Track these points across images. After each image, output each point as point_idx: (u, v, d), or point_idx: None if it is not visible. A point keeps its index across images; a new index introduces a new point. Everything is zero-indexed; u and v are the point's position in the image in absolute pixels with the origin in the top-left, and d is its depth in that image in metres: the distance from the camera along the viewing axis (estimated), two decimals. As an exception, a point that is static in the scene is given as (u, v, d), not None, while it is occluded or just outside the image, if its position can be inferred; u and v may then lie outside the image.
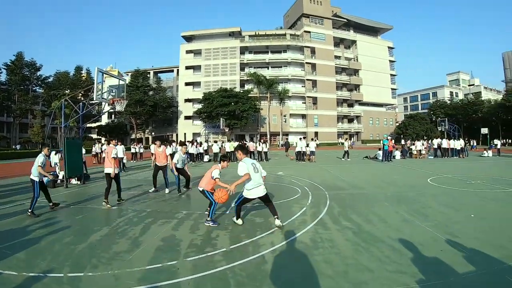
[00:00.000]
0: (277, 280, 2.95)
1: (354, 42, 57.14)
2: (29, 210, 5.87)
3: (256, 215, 5.51)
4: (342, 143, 48.13)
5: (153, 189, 8.17)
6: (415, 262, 3.20)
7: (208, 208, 5.02)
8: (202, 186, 5.08)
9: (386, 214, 5.28)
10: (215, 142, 20.79)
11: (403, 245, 3.72)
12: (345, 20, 56.32)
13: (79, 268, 3.40)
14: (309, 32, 50.87)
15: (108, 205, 6.44)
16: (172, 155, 8.53)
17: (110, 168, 6.67)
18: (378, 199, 6.63)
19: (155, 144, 9.20)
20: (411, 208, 5.63)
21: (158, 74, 52.29)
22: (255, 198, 4.66)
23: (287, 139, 41.81)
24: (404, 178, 9.96)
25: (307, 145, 17.62)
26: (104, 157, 14.46)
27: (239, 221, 4.89)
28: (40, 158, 6.11)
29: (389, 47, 61.93)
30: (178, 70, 49.44)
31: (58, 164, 11.59)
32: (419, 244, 3.71)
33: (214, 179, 4.92)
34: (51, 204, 6.48)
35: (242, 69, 47.18)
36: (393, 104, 62.40)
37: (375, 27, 61.20)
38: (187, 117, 46.47)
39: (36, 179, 6.04)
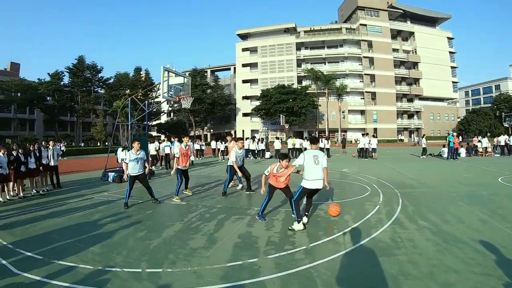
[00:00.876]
0: (366, 280, 2.83)
1: (411, 33, 53.34)
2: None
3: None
4: (401, 140, 44.59)
5: (240, 185, 7.85)
6: (499, 265, 3.02)
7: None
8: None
9: (462, 214, 5.02)
10: (277, 138, 19.46)
11: (485, 246, 3.53)
12: (401, 11, 52.74)
13: (156, 264, 3.28)
14: (365, 25, 48.21)
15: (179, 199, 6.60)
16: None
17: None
18: (452, 198, 6.32)
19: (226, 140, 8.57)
20: (486, 208, 5.33)
21: (215, 73, 52.46)
22: (314, 189, 4.49)
23: (344, 136, 39.56)
24: (474, 177, 9.52)
25: (369, 142, 16.71)
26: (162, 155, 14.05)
27: (300, 226, 4.32)
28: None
29: (448, 38, 57.14)
30: (235, 68, 49.20)
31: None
32: (501, 246, 3.51)
33: (266, 174, 4.87)
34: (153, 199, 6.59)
35: (298, 65, 45.77)
36: (454, 99, 57.30)
37: (433, 17, 56.77)
38: (245, 114, 45.88)
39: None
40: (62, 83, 45.08)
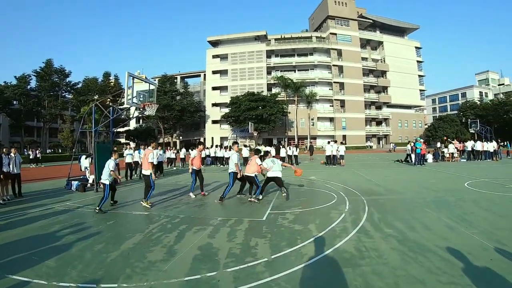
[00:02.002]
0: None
1: (380, 43, 55.39)
2: (97, 208, 6.30)
3: (294, 222, 5.22)
4: (370, 146, 45.64)
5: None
6: (466, 273, 3.04)
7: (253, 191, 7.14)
8: (251, 172, 7.14)
9: (429, 221, 5.02)
10: (245, 146, 19.93)
11: (451, 254, 3.53)
12: (371, 20, 54.77)
13: (112, 278, 3.20)
14: (335, 34, 49.66)
15: (148, 205, 6.76)
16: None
17: (148, 170, 6.99)
18: (418, 204, 6.36)
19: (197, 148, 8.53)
20: (453, 214, 5.40)
21: (185, 79, 52.31)
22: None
23: (311, 142, 40.61)
24: (440, 183, 9.53)
25: (337, 149, 16.97)
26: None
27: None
28: (111, 163, 6.77)
29: (416, 47, 59.72)
30: (205, 74, 49.27)
31: (88, 168, 11.42)
32: (468, 253, 3.53)
33: (260, 165, 7.13)
34: (112, 201, 7.02)
35: (268, 72, 46.49)
36: (421, 106, 59.92)
37: (402, 27, 59.24)
38: (214, 121, 46.01)
39: (107, 182, 6.64)
40: (29, 87, 43.80)
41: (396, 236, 4.24)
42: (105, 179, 6.67)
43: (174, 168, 18.02)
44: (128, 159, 12.98)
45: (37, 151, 25.22)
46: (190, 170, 7.94)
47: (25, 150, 38.49)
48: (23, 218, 6.24)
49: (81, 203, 7.71)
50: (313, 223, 5.07)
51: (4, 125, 48.29)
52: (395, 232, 4.43)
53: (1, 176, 7.99)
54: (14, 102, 44.57)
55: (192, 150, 17.41)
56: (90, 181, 10.27)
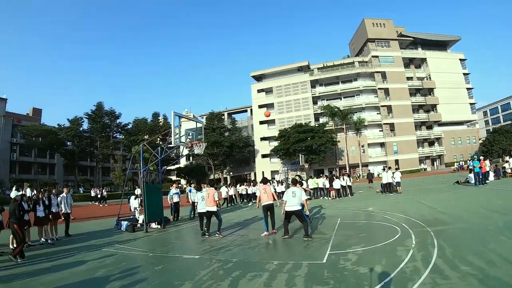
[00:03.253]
0: None
1: (424, 60, 53.13)
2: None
3: (358, 264, 4.64)
4: (424, 169, 42.49)
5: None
6: None
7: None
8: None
9: (508, 252, 4.38)
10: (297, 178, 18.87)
11: None
12: (411, 38, 52.89)
13: None
14: (377, 56, 48.29)
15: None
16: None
17: (213, 207, 7.53)
18: (491, 232, 5.70)
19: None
20: None
21: (232, 115, 52.91)
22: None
23: (369, 170, 38.61)
24: (508, 203, 8.78)
25: (393, 175, 15.97)
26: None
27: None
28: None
29: (460, 59, 56.66)
30: (251, 109, 49.48)
31: (138, 208, 11.23)
32: None
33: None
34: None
35: (314, 102, 45.80)
36: (473, 120, 56.04)
37: (443, 41, 56.69)
38: (264, 156, 45.59)
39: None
40: (81, 128, 45.95)
41: (476, 275, 3.68)
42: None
43: (250, 204, 17.20)
44: (175, 199, 12.49)
45: (103, 190, 25.69)
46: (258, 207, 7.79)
47: (80, 188, 39.70)
48: (70, 261, 6.05)
49: (129, 245, 7.47)
50: (379, 264, 4.51)
51: (58, 165, 50.72)
52: (473, 270, 3.85)
53: (50, 216, 7.98)
54: (68, 143, 46.88)
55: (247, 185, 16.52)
56: (140, 221, 10.06)
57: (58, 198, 8.66)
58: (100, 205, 22.60)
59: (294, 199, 6.79)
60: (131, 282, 4.55)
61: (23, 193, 7.47)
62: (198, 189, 8.30)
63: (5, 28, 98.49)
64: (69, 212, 9.03)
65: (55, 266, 5.69)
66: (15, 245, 6.59)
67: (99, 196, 23.87)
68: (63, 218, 8.99)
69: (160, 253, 6.40)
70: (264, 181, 8.10)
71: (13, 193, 6.74)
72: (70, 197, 9.33)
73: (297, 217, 6.86)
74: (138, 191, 17.50)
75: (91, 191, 27.23)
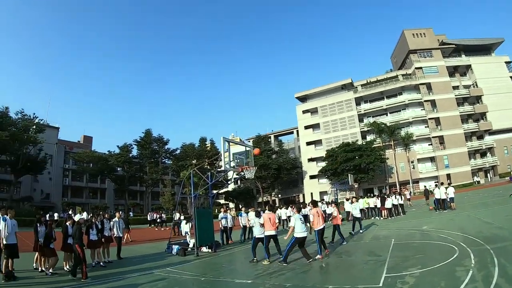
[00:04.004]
0: None
1: (468, 67, 50.88)
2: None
3: (416, 287, 4.37)
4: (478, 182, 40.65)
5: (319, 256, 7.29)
6: None
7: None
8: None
9: None
10: (347, 200, 18.20)
11: None
12: (453, 45, 50.99)
13: None
14: (421, 68, 46.96)
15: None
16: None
17: (273, 230, 7.39)
18: None
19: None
20: None
21: (279, 137, 53.52)
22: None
23: (425, 186, 37.30)
24: None
25: (446, 191, 15.27)
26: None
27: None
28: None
29: (506, 62, 53.75)
30: (297, 131, 49.86)
31: (189, 232, 11.26)
32: None
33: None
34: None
35: (360, 120, 45.21)
36: (527, 126, 52.59)
37: (486, 45, 54.05)
38: (312, 176, 45.46)
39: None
40: (131, 155, 48.29)
41: None
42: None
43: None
44: (223, 223, 12.37)
45: (162, 214, 26.54)
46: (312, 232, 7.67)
47: (130, 212, 41.34)
48: (122, 284, 6.01)
49: (181, 269, 7.38)
50: (439, 287, 4.30)
51: (109, 189, 53.29)
52: None
53: (103, 239, 8.23)
54: (118, 169, 49.26)
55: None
56: (191, 245, 10.04)
57: (111, 223, 9.05)
58: (161, 229, 22.81)
59: (303, 225, 6.93)
60: None
61: (84, 217, 7.99)
62: (257, 215, 8.05)
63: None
64: (121, 236, 9.36)
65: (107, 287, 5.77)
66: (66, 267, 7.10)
67: (158, 220, 24.39)
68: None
69: (212, 277, 6.33)
70: (271, 208, 8.46)
71: (77, 217, 7.21)
72: (122, 222, 9.67)
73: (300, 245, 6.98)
74: (177, 215, 17.68)
75: (148, 216, 28.10)
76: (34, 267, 7.30)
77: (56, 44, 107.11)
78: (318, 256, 7.29)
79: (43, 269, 7.11)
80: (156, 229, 23.04)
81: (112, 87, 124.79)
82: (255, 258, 7.64)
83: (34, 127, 36.30)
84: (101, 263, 8.16)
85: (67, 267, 7.34)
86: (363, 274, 5.62)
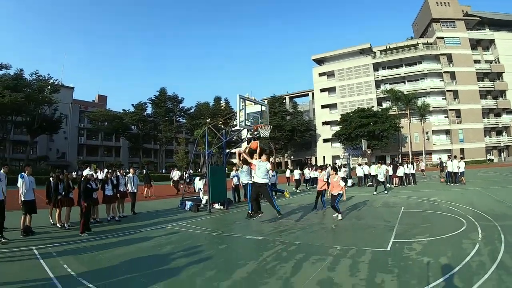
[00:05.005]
0: None
1: (492, 41, 49.20)
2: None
3: (423, 254, 4.54)
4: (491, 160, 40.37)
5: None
6: None
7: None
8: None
9: None
10: (359, 165, 18.55)
11: None
12: (478, 18, 49.05)
13: None
14: (442, 38, 45.57)
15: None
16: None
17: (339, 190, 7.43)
18: None
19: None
20: None
21: (294, 99, 53.39)
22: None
23: (440, 158, 37.28)
24: None
25: (458, 165, 15.12)
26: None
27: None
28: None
29: (532, 42, 51.93)
30: (313, 93, 49.66)
31: (202, 189, 11.44)
32: None
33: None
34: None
35: (377, 86, 44.71)
36: (546, 109, 51.47)
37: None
38: (325, 140, 45.76)
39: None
40: (145, 113, 48.90)
41: None
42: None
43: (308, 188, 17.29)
44: (235, 181, 12.47)
45: (177, 171, 26.78)
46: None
47: (143, 170, 42.50)
48: (137, 237, 6.21)
49: (193, 224, 7.55)
50: (445, 256, 4.37)
51: (124, 148, 54.56)
52: None
53: (118, 195, 8.34)
54: (133, 127, 50.07)
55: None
56: (204, 201, 10.26)
57: (126, 178, 9.13)
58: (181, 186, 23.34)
59: (259, 171, 6.77)
60: (197, 259, 4.64)
61: (92, 173, 8.05)
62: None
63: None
64: (135, 191, 9.37)
65: (122, 241, 5.88)
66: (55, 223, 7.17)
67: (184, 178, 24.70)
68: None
69: (223, 233, 6.47)
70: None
71: (86, 171, 7.19)
72: (136, 178, 9.74)
73: (262, 192, 6.89)
74: (175, 173, 18.13)
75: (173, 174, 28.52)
76: (52, 222, 7.41)
77: (69, 1, 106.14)
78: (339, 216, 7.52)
79: (60, 224, 7.19)
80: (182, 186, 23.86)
81: (127, 46, 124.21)
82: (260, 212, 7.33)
83: (49, 87, 36.82)
84: (116, 218, 8.28)
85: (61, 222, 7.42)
86: (372, 238, 5.75)
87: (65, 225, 7.16)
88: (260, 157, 7.07)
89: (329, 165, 21.70)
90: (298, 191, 16.17)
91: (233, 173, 13.01)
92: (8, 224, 6.38)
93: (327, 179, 8.51)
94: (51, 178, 7.34)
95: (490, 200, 9.58)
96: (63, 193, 7.22)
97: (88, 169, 13.54)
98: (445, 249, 4.78)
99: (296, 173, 17.68)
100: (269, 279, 3.79)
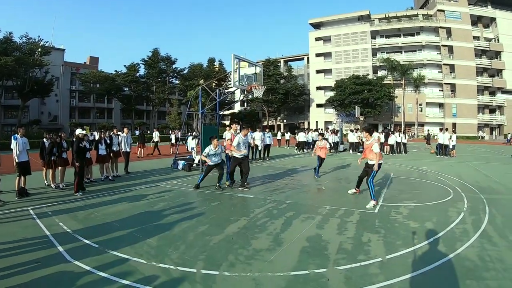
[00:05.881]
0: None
1: (493, 19, 48.61)
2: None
3: (409, 218, 4.76)
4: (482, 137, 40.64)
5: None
6: None
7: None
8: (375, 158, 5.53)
9: None
10: (351, 131, 18.45)
11: None
12: (482, -6, 48.48)
13: (214, 264, 3.04)
14: (443, 11, 44.86)
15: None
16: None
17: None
18: None
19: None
20: None
21: (289, 63, 52.64)
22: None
23: (428, 130, 37.53)
24: None
25: (450, 138, 15.54)
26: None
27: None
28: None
29: (533, 24, 51.45)
30: (308, 58, 48.91)
31: (195, 148, 11.53)
32: None
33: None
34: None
35: (374, 54, 44.15)
36: (540, 93, 51.51)
37: (516, 1, 51.46)
38: (319, 105, 45.48)
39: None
40: (138, 74, 47.99)
41: None
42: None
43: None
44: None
45: (179, 132, 26.71)
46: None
47: (136, 131, 42.17)
48: (130, 195, 6.31)
49: (186, 182, 7.66)
50: (430, 221, 4.59)
51: (116, 109, 53.85)
52: None
53: (111, 154, 8.33)
54: (125, 88, 49.28)
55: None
56: (196, 161, 10.26)
57: (119, 138, 9.05)
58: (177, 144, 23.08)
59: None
60: (189, 215, 4.78)
61: (85, 132, 7.61)
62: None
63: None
64: (129, 151, 9.29)
65: (116, 199, 5.97)
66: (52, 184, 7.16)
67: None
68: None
69: (216, 191, 6.60)
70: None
71: (78, 131, 6.94)
72: (130, 137, 9.67)
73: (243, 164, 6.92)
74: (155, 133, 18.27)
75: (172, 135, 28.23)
76: (46, 183, 7.36)
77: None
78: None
79: (55, 184, 7.14)
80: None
81: (118, 6, 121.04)
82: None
83: (40, 50, 35.88)
84: (109, 177, 8.27)
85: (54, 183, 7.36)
86: (360, 200, 5.89)
87: (60, 185, 7.17)
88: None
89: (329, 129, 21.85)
90: (299, 152, 17.16)
91: (226, 134, 13.15)
92: (3, 187, 6.47)
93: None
94: (44, 139, 7.27)
95: (478, 174, 9.74)
96: (56, 153, 7.15)
97: (80, 128, 13.52)
98: (431, 215, 4.93)
99: (301, 136, 18.34)
100: (259, 234, 3.95)
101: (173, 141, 23.98)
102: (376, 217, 4.78)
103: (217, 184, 6.86)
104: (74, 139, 6.81)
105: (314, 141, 17.90)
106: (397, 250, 3.51)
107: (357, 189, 6.41)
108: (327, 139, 10.17)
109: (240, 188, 6.84)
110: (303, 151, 17.81)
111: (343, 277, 2.84)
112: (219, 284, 2.70)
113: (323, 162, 8.69)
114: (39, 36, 36.85)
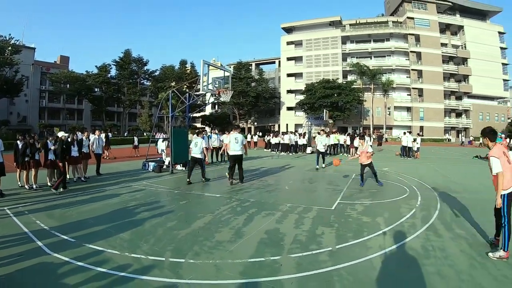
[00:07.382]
0: (387, 289, 2.68)
1: (461, 27, 50.46)
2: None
3: (363, 214, 5.10)
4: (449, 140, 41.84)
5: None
6: None
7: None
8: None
9: None
10: (318, 133, 18.72)
11: None
12: (450, 3, 50.01)
13: (180, 254, 3.36)
14: (413, 18, 46.18)
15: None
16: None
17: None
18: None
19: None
20: None
21: (260, 66, 52.55)
22: None
23: (380, 132, 38.63)
24: None
25: (414, 140, 16.14)
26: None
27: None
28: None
29: (499, 32, 53.59)
30: (279, 61, 49.04)
31: (165, 150, 11.82)
32: None
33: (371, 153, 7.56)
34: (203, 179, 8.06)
35: (344, 59, 44.75)
36: (505, 98, 53.74)
37: (483, 10, 53.41)
38: (289, 108, 45.66)
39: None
40: (109, 75, 46.92)
41: (467, 239, 3.93)
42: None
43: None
44: (215, 144, 13.43)
45: (162, 134, 26.42)
46: None
47: (109, 134, 41.10)
48: (103, 195, 6.58)
49: (156, 183, 8.03)
50: (382, 216, 4.91)
51: (86, 110, 52.38)
52: (466, 234, 4.12)
53: (80, 156, 8.50)
54: (96, 89, 48.01)
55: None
56: (166, 162, 10.54)
57: (91, 139, 9.27)
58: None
59: (236, 145, 7.44)
60: (159, 212, 5.09)
61: (66, 135, 7.76)
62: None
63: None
64: (100, 153, 9.53)
65: (89, 199, 6.19)
66: (50, 182, 7.44)
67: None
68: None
69: (184, 191, 6.93)
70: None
71: (61, 133, 7.10)
72: (102, 139, 9.88)
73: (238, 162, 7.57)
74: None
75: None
76: (20, 185, 7.46)
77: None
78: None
79: (28, 186, 7.31)
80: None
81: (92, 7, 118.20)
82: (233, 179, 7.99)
83: (10, 48, 34.88)
84: (82, 178, 8.43)
85: (51, 182, 7.52)
86: (320, 199, 6.37)
87: (33, 186, 7.32)
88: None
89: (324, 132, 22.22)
90: (284, 154, 17.86)
91: (213, 136, 13.74)
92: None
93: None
94: (18, 141, 7.37)
95: (437, 175, 10.09)
96: (30, 155, 7.29)
97: (62, 132, 13.44)
98: (383, 211, 5.25)
99: (286, 138, 18.84)
100: (223, 228, 4.28)
101: (135, 143, 23.74)
102: (332, 213, 5.09)
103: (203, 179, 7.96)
104: (49, 140, 7.28)
105: (296, 143, 19.07)
106: (347, 241, 3.81)
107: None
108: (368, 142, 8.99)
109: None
110: (276, 151, 18.61)
111: (294, 263, 3.15)
112: (185, 269, 3.00)
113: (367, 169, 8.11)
114: (10, 34, 35.57)
